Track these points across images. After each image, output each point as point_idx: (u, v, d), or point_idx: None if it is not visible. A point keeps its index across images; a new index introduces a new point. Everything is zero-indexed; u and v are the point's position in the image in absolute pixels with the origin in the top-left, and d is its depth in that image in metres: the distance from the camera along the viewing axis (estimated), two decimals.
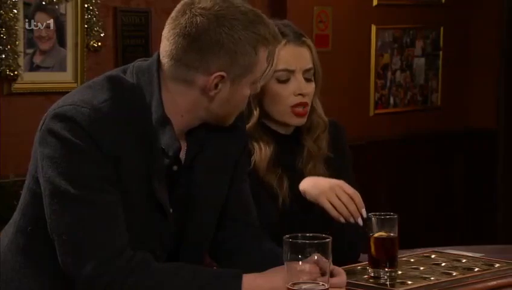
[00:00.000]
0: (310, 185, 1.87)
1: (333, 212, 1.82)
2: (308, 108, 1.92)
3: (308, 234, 1.41)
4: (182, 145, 1.53)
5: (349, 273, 1.73)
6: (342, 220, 1.82)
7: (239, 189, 1.66)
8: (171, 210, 1.51)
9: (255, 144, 1.91)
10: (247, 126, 1.90)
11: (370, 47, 4.30)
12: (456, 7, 4.61)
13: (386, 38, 4.37)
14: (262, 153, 1.90)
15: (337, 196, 1.82)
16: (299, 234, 1.40)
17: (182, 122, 1.51)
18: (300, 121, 1.92)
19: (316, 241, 1.38)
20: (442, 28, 4.61)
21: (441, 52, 4.64)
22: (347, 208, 1.82)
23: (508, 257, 1.87)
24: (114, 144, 1.43)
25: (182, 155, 1.54)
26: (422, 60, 4.57)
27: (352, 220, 1.82)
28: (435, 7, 4.57)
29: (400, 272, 1.76)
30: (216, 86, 1.48)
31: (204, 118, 1.53)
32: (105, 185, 1.43)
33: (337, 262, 1.70)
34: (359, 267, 1.80)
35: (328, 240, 1.39)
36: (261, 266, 1.47)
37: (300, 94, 1.89)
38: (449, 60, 4.65)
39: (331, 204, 1.82)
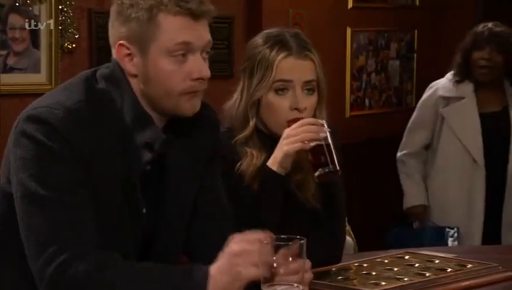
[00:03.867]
0: (273, 159, 1.84)
1: (303, 146, 1.79)
2: None
3: (282, 236, 1.41)
4: None
5: (322, 275, 1.74)
6: (312, 143, 1.79)
7: (213, 186, 1.66)
8: (144, 210, 1.51)
9: (248, 151, 1.90)
10: (243, 135, 1.90)
11: (345, 49, 4.33)
12: (430, 10, 4.65)
13: (361, 40, 4.40)
14: (252, 160, 1.89)
15: (291, 137, 1.80)
16: (275, 236, 1.40)
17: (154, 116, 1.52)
18: None
19: (290, 243, 1.38)
20: (416, 31, 4.64)
21: (415, 55, 4.68)
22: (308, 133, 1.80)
23: (480, 258, 1.89)
24: (87, 146, 1.43)
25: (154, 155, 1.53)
26: (397, 62, 4.61)
27: (322, 135, 1.79)
28: (409, 10, 4.61)
29: (374, 273, 1.78)
30: (127, 59, 1.48)
31: (152, 106, 1.51)
32: (76, 187, 1.43)
33: (319, 264, 1.73)
34: (333, 269, 1.81)
35: (302, 241, 1.39)
36: None
37: (296, 109, 1.86)
38: (423, 62, 4.69)
39: (298, 143, 1.79)
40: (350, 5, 4.29)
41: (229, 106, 1.96)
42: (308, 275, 1.46)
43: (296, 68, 1.87)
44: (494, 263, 1.80)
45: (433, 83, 3.49)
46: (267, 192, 1.84)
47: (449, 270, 1.77)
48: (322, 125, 1.81)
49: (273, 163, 1.84)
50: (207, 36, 1.51)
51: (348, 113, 4.40)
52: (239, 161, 1.89)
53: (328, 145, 1.78)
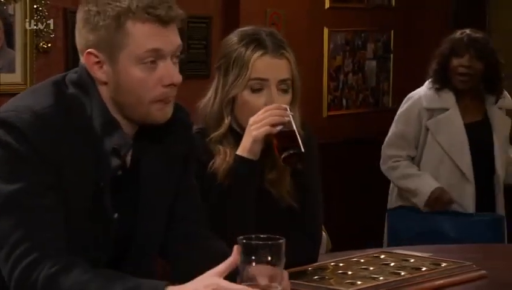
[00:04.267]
0: (242, 147, 1.85)
1: (271, 130, 1.81)
2: None
3: (262, 235, 1.41)
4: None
5: (299, 275, 1.75)
6: (278, 128, 1.81)
7: (188, 188, 1.65)
8: (115, 215, 1.51)
9: (221, 148, 1.90)
10: (217, 133, 1.90)
11: (322, 49, 4.34)
12: (406, 10, 4.68)
13: (338, 40, 4.41)
14: (226, 158, 1.89)
15: (258, 123, 1.82)
16: (253, 235, 1.40)
17: (124, 123, 1.51)
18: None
19: (270, 243, 1.37)
20: (392, 31, 4.67)
21: (391, 55, 4.70)
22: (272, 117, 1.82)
23: (454, 257, 1.91)
24: (56, 150, 1.43)
25: (127, 160, 1.53)
26: (374, 62, 4.63)
27: (286, 118, 1.81)
28: (385, 10, 4.64)
29: (350, 273, 1.78)
30: (97, 67, 1.47)
31: (122, 114, 1.50)
32: (46, 190, 1.42)
33: (295, 263, 1.73)
34: (310, 268, 1.82)
35: (281, 241, 1.39)
36: (210, 265, 1.47)
37: None
38: (400, 62, 4.72)
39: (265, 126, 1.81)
40: (327, 5, 4.30)
41: (203, 103, 1.96)
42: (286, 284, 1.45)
43: (271, 67, 1.88)
44: (468, 261, 1.82)
45: (411, 94, 3.31)
46: (240, 178, 1.84)
47: (424, 269, 1.79)
48: (285, 109, 1.83)
49: (242, 150, 1.85)
50: (177, 41, 1.49)
51: (325, 113, 4.41)
52: (212, 159, 1.89)
53: (291, 128, 1.81)
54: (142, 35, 1.45)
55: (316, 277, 1.76)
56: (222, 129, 1.90)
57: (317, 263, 1.87)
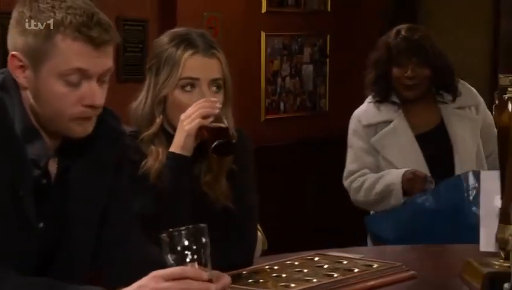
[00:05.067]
0: (175, 144, 1.86)
1: (203, 122, 1.83)
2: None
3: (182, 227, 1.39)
4: (53, 157, 1.49)
5: (234, 278, 1.75)
6: (210, 119, 1.84)
7: (120, 194, 1.64)
8: (40, 225, 1.48)
9: (153, 148, 1.90)
10: (149, 132, 1.90)
11: (260, 53, 4.37)
12: (341, 15, 4.75)
13: (275, 45, 4.45)
14: (158, 157, 1.89)
15: (189, 117, 1.83)
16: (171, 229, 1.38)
17: (44, 133, 1.48)
18: None
19: (191, 227, 1.36)
20: (328, 36, 4.74)
21: (328, 59, 4.77)
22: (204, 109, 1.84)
23: (385, 258, 1.94)
24: None
25: (53, 169, 1.50)
26: (311, 66, 4.68)
27: (216, 110, 1.84)
28: (321, 15, 4.70)
29: (284, 275, 1.80)
30: (19, 71, 1.44)
31: (41, 124, 1.46)
32: None
33: (230, 265, 1.73)
34: (245, 272, 1.83)
35: (203, 225, 1.37)
36: (144, 270, 1.46)
37: None
38: (336, 66, 4.78)
39: (197, 119, 1.83)
40: (264, 9, 4.33)
41: (135, 105, 1.95)
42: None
43: (203, 66, 1.89)
44: (398, 262, 1.86)
45: (355, 112, 2.87)
46: (173, 174, 1.84)
47: (356, 270, 1.81)
48: (215, 102, 1.85)
49: (175, 147, 1.86)
50: (107, 64, 1.46)
51: (263, 117, 4.44)
52: (144, 160, 1.89)
53: (220, 121, 1.83)
54: (70, 52, 1.41)
55: (250, 280, 1.76)
56: (154, 128, 1.90)
57: (252, 267, 1.88)
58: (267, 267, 1.88)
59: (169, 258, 1.36)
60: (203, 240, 1.36)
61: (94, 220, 1.57)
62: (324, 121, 4.73)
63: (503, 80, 2.44)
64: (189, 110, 1.85)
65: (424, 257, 2.13)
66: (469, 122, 2.79)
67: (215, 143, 1.82)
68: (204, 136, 1.85)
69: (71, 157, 1.52)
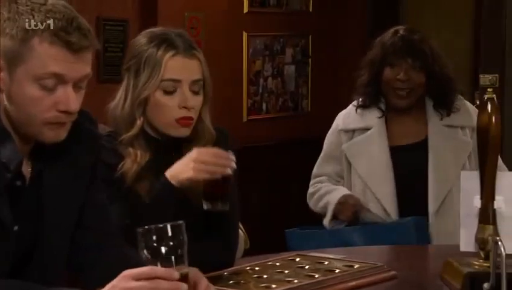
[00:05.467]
0: (175, 173, 1.82)
1: (210, 177, 1.80)
2: (194, 121, 1.91)
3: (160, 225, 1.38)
4: (27, 160, 1.47)
5: (215, 279, 1.75)
6: (218, 176, 1.80)
7: (96, 198, 1.62)
8: (15, 228, 1.46)
9: (132, 151, 1.88)
10: (129, 134, 1.88)
11: (242, 54, 4.36)
12: (323, 15, 4.76)
13: (257, 45, 4.44)
14: (136, 159, 1.87)
15: (204, 163, 1.80)
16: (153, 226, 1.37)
17: (17, 136, 1.46)
18: (185, 132, 1.90)
19: (168, 224, 1.35)
20: (310, 36, 4.74)
21: (310, 60, 4.77)
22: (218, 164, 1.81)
23: (367, 258, 1.95)
24: None
25: (27, 170, 1.48)
26: (293, 67, 4.68)
27: (228, 171, 1.81)
28: (303, 15, 4.70)
29: (265, 276, 1.80)
30: None
31: (13, 127, 1.44)
32: None
33: (212, 266, 1.73)
34: (226, 273, 1.82)
35: (181, 222, 1.37)
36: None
37: (184, 107, 1.87)
38: (318, 67, 4.79)
39: (205, 171, 1.80)
40: (246, 9, 4.33)
41: (113, 105, 1.93)
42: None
43: (184, 67, 1.88)
44: (380, 262, 1.86)
45: (340, 113, 2.67)
46: (161, 203, 1.82)
47: (337, 271, 1.82)
48: (231, 160, 1.82)
49: (173, 176, 1.82)
50: (85, 70, 1.44)
51: (245, 118, 4.43)
52: (122, 162, 1.87)
53: (227, 181, 1.79)
54: (47, 56, 1.39)
55: (231, 282, 1.76)
56: (134, 130, 1.89)
57: (233, 267, 1.88)
58: (248, 268, 1.87)
59: (145, 254, 1.35)
60: (181, 237, 1.36)
61: (69, 224, 1.55)
62: (306, 121, 4.74)
63: (483, 79, 2.45)
64: (204, 154, 1.80)
65: (405, 257, 2.13)
66: (456, 144, 2.50)
67: (207, 205, 1.79)
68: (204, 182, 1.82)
69: (45, 161, 1.50)
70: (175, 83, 1.87)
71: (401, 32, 2.54)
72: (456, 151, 2.50)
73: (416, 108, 2.55)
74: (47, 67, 1.40)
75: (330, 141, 2.66)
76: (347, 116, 2.61)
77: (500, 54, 4.44)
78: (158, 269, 1.33)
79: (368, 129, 2.55)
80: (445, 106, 2.52)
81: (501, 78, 4.34)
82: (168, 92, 1.87)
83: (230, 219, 1.97)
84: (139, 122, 1.89)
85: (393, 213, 2.47)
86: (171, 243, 1.35)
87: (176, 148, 1.93)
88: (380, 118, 2.54)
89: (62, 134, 1.46)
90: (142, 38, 1.92)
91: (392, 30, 2.56)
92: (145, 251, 1.35)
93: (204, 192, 1.81)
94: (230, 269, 1.86)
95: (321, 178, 2.64)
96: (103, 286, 1.37)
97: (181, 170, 1.81)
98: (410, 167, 2.51)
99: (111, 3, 3.66)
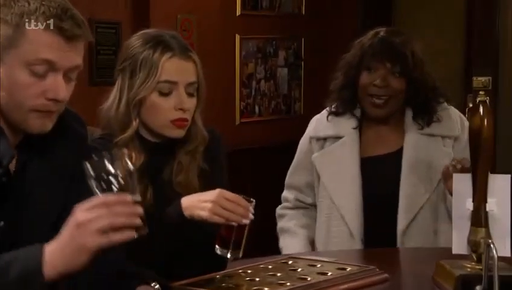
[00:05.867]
0: (191, 205, 1.80)
1: (224, 222, 1.79)
2: (189, 123, 1.91)
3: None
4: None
5: (207, 282, 1.75)
6: (235, 224, 1.79)
7: (73, 201, 1.61)
8: (1, 223, 1.45)
9: (126, 153, 1.87)
10: (124, 136, 1.89)
11: (235, 56, 4.36)
12: (315, 18, 4.76)
13: (250, 48, 4.45)
14: (131, 162, 1.87)
15: (222, 207, 1.78)
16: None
17: (6, 129, 1.45)
18: (180, 133, 1.90)
19: (113, 153, 1.37)
20: (303, 39, 4.75)
21: (302, 63, 4.78)
22: (235, 212, 1.79)
23: (359, 261, 1.95)
24: None
25: (13, 163, 1.47)
26: (285, 70, 4.69)
27: (244, 221, 1.80)
28: (295, 18, 4.71)
29: (257, 279, 1.79)
30: None
31: (1, 116, 1.44)
32: None
33: (204, 267, 1.74)
34: (218, 276, 1.82)
35: (124, 150, 1.39)
36: (101, 276, 1.45)
37: (180, 109, 1.88)
38: (310, 69, 4.79)
39: (220, 216, 1.78)
40: (238, 12, 4.33)
41: (106, 107, 1.93)
42: None
43: (180, 69, 1.89)
44: (372, 265, 1.86)
45: (314, 117, 2.49)
46: (170, 231, 1.81)
47: (329, 274, 1.81)
48: (250, 211, 1.82)
49: (186, 208, 1.80)
50: (77, 60, 1.44)
51: (238, 121, 4.43)
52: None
53: (242, 229, 1.78)
54: (39, 43, 1.40)
55: (224, 284, 1.76)
56: (129, 131, 1.89)
57: (225, 270, 1.87)
58: (240, 271, 1.87)
59: (93, 184, 1.34)
60: (129, 166, 1.35)
61: (46, 223, 1.53)
62: (299, 124, 4.71)
63: (477, 82, 2.42)
64: (225, 198, 1.77)
65: (397, 260, 2.14)
66: (434, 155, 2.25)
67: (221, 250, 1.76)
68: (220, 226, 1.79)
69: (30, 153, 1.49)
70: (171, 85, 1.88)
71: (381, 34, 2.32)
72: (433, 165, 2.24)
73: (394, 116, 2.32)
74: (39, 54, 1.40)
75: (301, 148, 2.45)
76: (319, 123, 2.40)
77: (494, 55, 4.44)
78: (110, 196, 1.32)
79: (340, 138, 2.33)
80: (426, 116, 2.29)
81: (495, 80, 4.35)
82: (163, 94, 1.87)
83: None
84: (134, 123, 1.89)
85: (356, 233, 2.24)
86: (119, 173, 1.33)
87: (169, 150, 1.93)
88: (354, 128, 2.32)
89: (48, 124, 1.45)
90: (136, 40, 1.92)
91: (372, 31, 2.35)
92: (93, 181, 1.34)
93: (218, 234, 1.78)
94: (222, 272, 1.85)
95: (287, 203, 2.47)
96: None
97: (197, 206, 1.80)
98: (380, 180, 2.28)
99: (103, 5, 3.65)
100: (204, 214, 1.77)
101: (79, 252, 1.31)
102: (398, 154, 2.28)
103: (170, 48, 1.88)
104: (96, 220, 1.30)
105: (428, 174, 2.26)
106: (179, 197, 1.86)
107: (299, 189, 2.46)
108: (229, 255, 1.78)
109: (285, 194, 2.51)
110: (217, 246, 1.77)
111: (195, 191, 1.90)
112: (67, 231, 1.33)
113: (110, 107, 1.92)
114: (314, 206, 2.41)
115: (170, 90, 1.87)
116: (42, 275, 1.31)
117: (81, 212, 1.32)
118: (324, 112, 2.42)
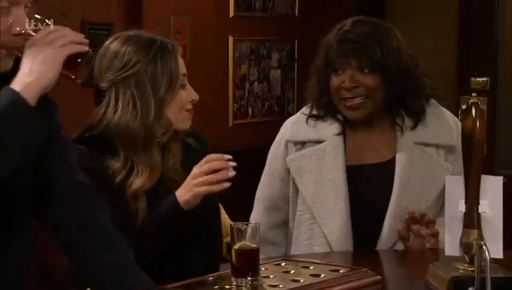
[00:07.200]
0: (183, 195, 1.83)
1: (212, 189, 1.82)
2: None
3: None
4: None
5: (199, 285, 1.74)
6: (226, 184, 1.83)
7: (57, 152, 1.62)
8: None
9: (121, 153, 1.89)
10: (168, 134, 1.91)
11: (228, 58, 4.36)
12: (309, 20, 4.77)
13: (243, 49, 4.45)
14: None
15: (198, 173, 1.82)
16: None
17: None
18: (190, 123, 1.95)
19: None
20: (296, 40, 4.75)
21: (295, 64, 4.78)
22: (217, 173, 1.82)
23: (352, 263, 1.95)
24: None
25: None
26: (279, 71, 4.69)
27: (230, 173, 1.84)
28: (288, 20, 4.71)
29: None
30: None
31: None
32: None
33: (196, 271, 1.75)
34: (210, 278, 1.81)
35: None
36: (94, 236, 1.53)
37: (193, 100, 1.94)
38: (304, 71, 4.79)
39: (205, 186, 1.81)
40: (231, 14, 4.33)
41: (117, 119, 1.84)
42: None
43: (182, 63, 1.93)
44: (365, 267, 1.86)
45: (288, 119, 2.23)
46: (169, 224, 1.83)
47: (322, 275, 1.81)
48: (228, 160, 1.85)
49: (180, 195, 1.83)
50: None
51: (231, 122, 4.43)
52: (106, 170, 1.86)
53: (257, 254, 1.70)
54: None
55: (216, 286, 1.75)
56: (171, 131, 1.90)
57: (218, 272, 1.87)
58: None
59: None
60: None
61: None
62: None
63: (475, 82, 2.38)
64: (199, 167, 1.82)
65: (390, 261, 2.13)
66: (432, 170, 2.01)
67: (240, 281, 1.67)
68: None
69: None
70: (184, 77, 1.93)
71: (345, 27, 2.04)
72: (428, 181, 2.00)
73: (379, 117, 2.04)
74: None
75: (273, 156, 2.16)
76: (297, 125, 2.11)
77: (492, 56, 4.42)
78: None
79: (319, 142, 2.04)
80: (412, 115, 2.00)
81: (493, 80, 4.33)
82: (183, 86, 1.91)
83: (213, 223, 1.98)
84: (169, 122, 1.88)
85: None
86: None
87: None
88: (337, 134, 2.03)
89: (8, 63, 1.46)
90: (127, 47, 1.91)
91: (338, 25, 2.09)
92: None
93: (231, 265, 1.73)
94: (215, 273, 1.85)
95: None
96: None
97: (186, 190, 1.83)
98: (371, 193, 2.00)
99: (96, 7, 3.65)
100: (192, 192, 1.80)
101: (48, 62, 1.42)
102: (390, 166, 2.01)
103: (171, 46, 1.91)
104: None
105: (421, 193, 2.01)
106: (171, 192, 1.86)
107: (273, 202, 2.17)
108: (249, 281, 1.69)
109: (254, 215, 2.23)
110: (233, 278, 1.72)
111: (181, 174, 1.91)
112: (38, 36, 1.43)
113: (128, 120, 1.83)
114: (285, 222, 2.13)
115: (185, 82, 1.92)
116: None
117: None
118: (300, 115, 2.14)
